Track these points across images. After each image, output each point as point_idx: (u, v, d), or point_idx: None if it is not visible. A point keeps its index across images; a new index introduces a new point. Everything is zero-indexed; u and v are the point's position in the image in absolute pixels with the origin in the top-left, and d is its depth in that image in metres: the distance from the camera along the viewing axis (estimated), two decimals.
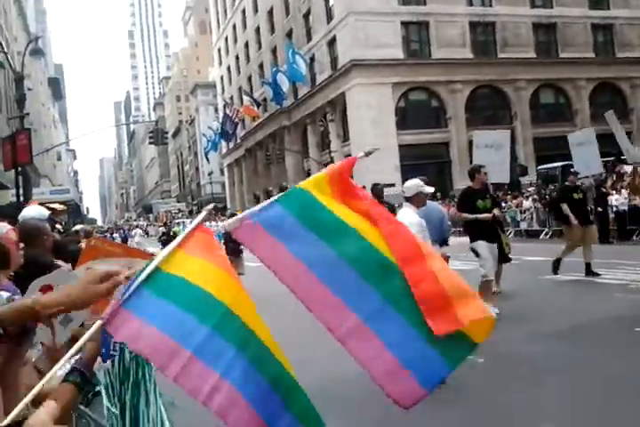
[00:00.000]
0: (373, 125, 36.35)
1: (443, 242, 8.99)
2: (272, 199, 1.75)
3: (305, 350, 6.14)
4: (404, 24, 38.37)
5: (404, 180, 28.10)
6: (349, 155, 39.89)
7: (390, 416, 4.39)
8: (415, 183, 5.22)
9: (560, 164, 24.45)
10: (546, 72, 39.72)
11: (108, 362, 2.11)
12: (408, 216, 5.02)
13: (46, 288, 1.49)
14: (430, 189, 5.45)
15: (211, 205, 1.81)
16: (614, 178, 18.37)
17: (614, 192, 16.32)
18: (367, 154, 1.88)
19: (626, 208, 15.19)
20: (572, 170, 11.46)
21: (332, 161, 40.71)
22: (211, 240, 1.65)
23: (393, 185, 35.40)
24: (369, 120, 36.41)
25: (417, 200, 5.10)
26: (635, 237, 14.74)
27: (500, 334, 6.07)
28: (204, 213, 1.66)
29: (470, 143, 37.78)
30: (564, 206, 9.79)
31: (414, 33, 39.14)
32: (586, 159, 14.08)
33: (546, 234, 17.95)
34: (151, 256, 2.24)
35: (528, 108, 39.77)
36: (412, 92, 38.65)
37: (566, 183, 10.84)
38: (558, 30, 41.22)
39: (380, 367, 1.56)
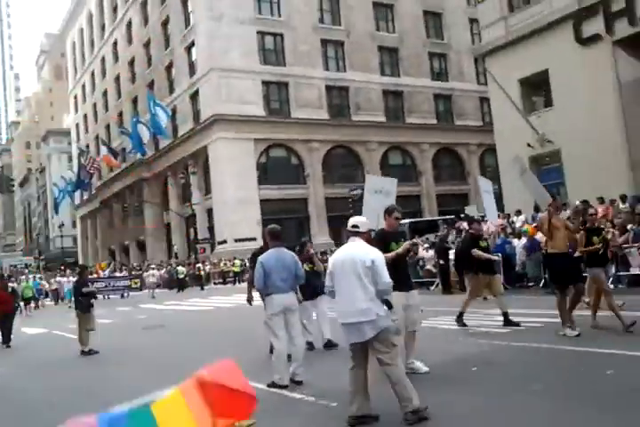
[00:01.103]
0: (235, 179, 36.81)
1: (313, 294, 8.70)
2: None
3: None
4: (265, 83, 39.82)
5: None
6: (211, 208, 39.92)
7: None
8: (367, 220, 5.45)
9: (408, 220, 26.28)
10: (394, 135, 42.93)
11: None
12: (373, 249, 5.11)
13: None
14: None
15: None
16: (454, 233, 20.11)
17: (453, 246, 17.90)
18: None
19: None
20: (475, 217, 11.54)
21: (193, 213, 40.39)
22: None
23: (254, 239, 35.78)
24: (231, 174, 36.82)
25: (367, 236, 5.32)
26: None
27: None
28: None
29: (327, 199, 39.69)
30: (478, 252, 9.61)
31: (274, 92, 40.69)
32: (491, 206, 16.19)
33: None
34: None
35: (379, 168, 42.39)
36: (273, 148, 39.85)
37: (471, 231, 10.64)
38: (405, 97, 45.00)
39: None
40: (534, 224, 16.51)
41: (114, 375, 8.57)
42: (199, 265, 34.01)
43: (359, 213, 35.14)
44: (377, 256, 5.01)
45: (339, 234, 38.38)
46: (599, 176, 20.39)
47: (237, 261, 32.05)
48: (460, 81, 47.09)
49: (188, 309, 19.62)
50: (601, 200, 17.73)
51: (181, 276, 31.87)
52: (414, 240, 7.30)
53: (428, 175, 44.64)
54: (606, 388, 5.40)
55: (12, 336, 13.61)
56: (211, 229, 39.52)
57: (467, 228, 18.81)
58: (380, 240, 6.38)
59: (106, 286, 29.67)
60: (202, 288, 31.12)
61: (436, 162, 45.59)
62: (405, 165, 45.07)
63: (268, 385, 6.43)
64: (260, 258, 6.86)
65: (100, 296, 27.87)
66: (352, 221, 5.36)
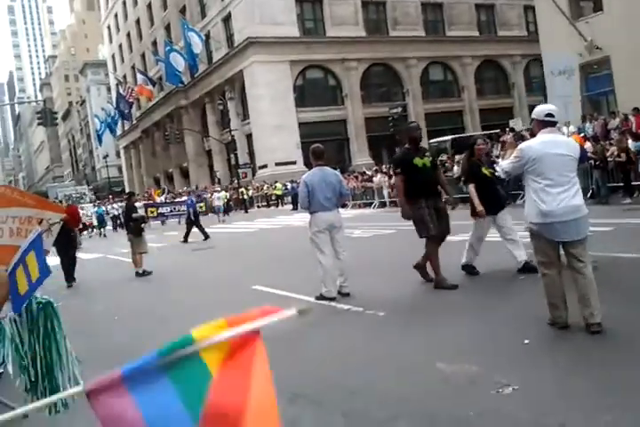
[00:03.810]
0: (272, 103, 36.47)
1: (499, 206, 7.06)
2: (159, 366, 1.23)
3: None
4: (299, 2, 38.47)
5: (306, 157, 28.62)
6: (250, 134, 39.89)
7: None
8: (556, 109, 4.66)
9: (450, 137, 25.90)
10: (434, 50, 41.33)
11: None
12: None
13: None
14: None
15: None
16: (499, 148, 19.58)
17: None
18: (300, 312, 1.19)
19: None
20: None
21: (233, 139, 40.61)
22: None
23: (294, 163, 35.94)
24: (268, 98, 36.45)
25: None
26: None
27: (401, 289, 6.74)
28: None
29: (366, 120, 39.02)
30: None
31: (308, 11, 39.35)
32: (565, 96, 9.27)
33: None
34: (64, 211, 2.31)
35: (419, 85, 41.30)
36: (309, 70, 39.04)
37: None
38: (445, 9, 42.87)
39: None
40: (582, 134, 16.08)
41: (164, 292, 9.12)
42: (242, 190, 34.48)
43: (400, 131, 34.29)
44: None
45: (379, 154, 38.13)
46: None
47: (279, 185, 32.34)
48: None
49: (234, 231, 20.14)
50: None
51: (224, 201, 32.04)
52: None
53: (471, 90, 43.27)
54: None
55: None
56: (251, 154, 39.73)
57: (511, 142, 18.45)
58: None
59: (171, 211, 29.73)
60: (246, 211, 31.90)
61: (479, 76, 44.02)
62: (447, 80, 43.68)
63: (317, 298, 6.66)
64: (304, 177, 6.98)
65: (157, 221, 28.81)
66: (544, 109, 4.59)
